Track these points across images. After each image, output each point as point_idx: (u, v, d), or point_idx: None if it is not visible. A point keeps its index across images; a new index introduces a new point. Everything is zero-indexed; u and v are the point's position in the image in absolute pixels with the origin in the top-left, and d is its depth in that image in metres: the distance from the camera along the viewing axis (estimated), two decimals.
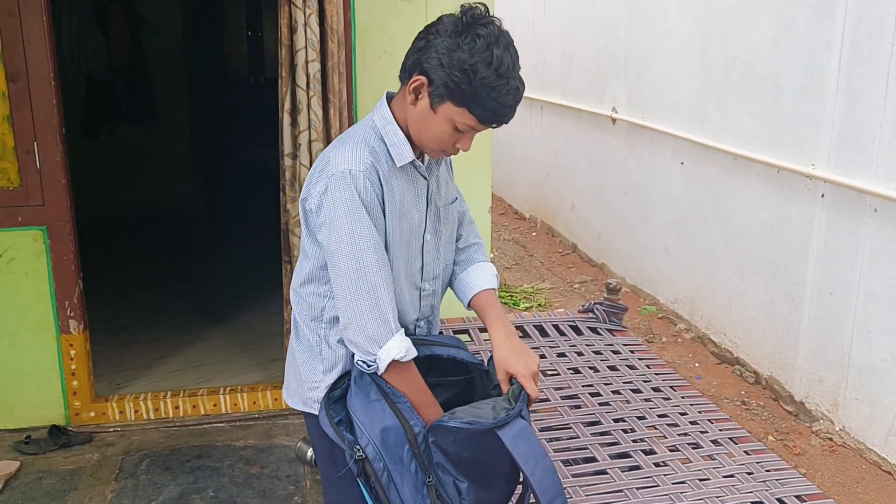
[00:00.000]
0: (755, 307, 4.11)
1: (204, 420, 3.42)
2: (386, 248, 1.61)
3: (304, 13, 3.01)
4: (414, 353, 1.59)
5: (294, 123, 3.14)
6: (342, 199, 1.52)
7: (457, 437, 1.54)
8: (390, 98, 1.66)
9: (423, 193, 1.68)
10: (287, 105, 3.12)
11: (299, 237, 3.12)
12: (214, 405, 3.46)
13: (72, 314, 3.24)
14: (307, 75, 3.07)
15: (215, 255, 5.80)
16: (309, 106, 3.10)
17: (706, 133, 4.47)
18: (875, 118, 3.25)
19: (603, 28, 5.75)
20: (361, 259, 1.53)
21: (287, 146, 3.16)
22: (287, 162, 3.17)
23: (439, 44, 1.50)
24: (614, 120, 5.58)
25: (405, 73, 1.58)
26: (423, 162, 1.67)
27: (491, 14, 1.55)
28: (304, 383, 1.74)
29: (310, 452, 3.09)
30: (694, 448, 2.42)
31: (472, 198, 3.64)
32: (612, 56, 5.61)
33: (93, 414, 3.36)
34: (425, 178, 1.68)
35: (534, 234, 7.14)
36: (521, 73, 1.55)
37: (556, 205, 6.87)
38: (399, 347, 1.56)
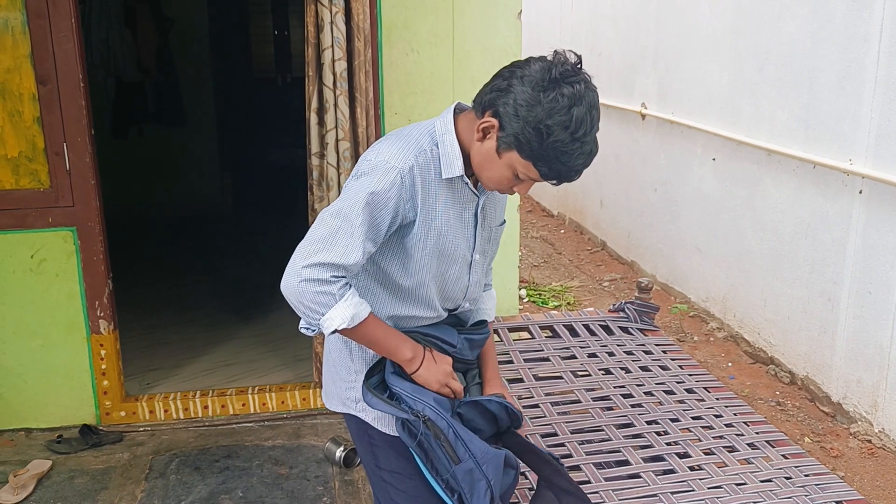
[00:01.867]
0: (790, 306, 4.02)
1: (233, 420, 3.43)
2: (408, 254, 1.59)
3: (331, 11, 2.99)
4: (364, 314, 1.53)
5: (321, 122, 3.13)
6: (371, 180, 1.50)
7: (479, 412, 1.72)
8: (459, 111, 1.62)
9: (470, 209, 1.64)
10: (314, 104, 3.10)
11: None
12: (243, 405, 3.46)
13: (102, 314, 3.26)
14: (334, 74, 3.05)
15: (243, 254, 5.82)
16: (336, 105, 3.08)
17: (738, 128, 4.38)
18: None
19: (631, 22, 5.67)
20: (339, 239, 1.48)
21: (314, 145, 3.14)
22: (314, 161, 3.15)
23: (520, 93, 1.44)
24: (643, 115, 5.51)
25: (479, 107, 1.53)
26: (472, 176, 1.62)
27: (581, 67, 1.48)
28: (341, 383, 1.74)
29: (338, 453, 3.08)
30: (730, 451, 2.37)
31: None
32: (640, 51, 5.53)
33: (123, 413, 3.38)
34: (475, 195, 1.63)
35: (562, 231, 7.07)
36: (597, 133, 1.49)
37: (585, 202, 6.80)
38: (343, 317, 1.49)
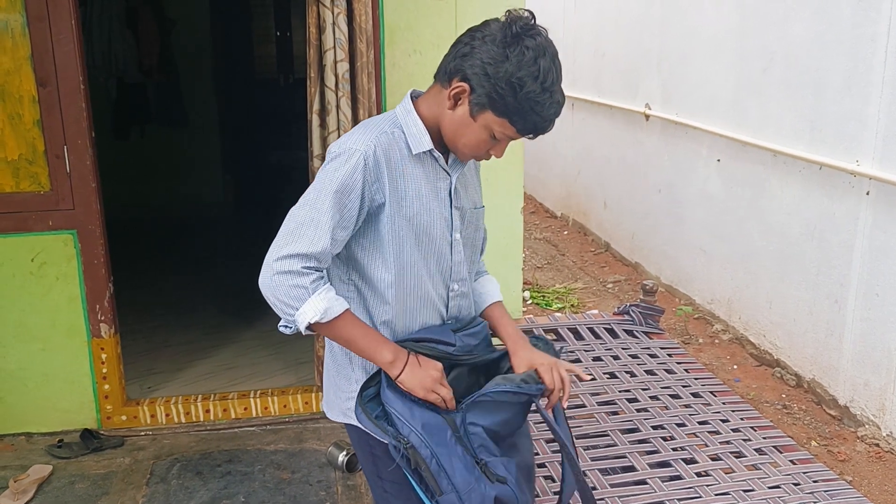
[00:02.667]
0: (796, 308, 3.99)
1: (235, 424, 3.40)
2: (383, 239, 1.57)
3: (333, 13, 2.97)
4: (339, 310, 1.51)
5: (323, 124, 3.10)
6: (327, 174, 1.52)
7: (492, 410, 1.59)
8: (415, 96, 1.65)
9: (444, 188, 1.64)
10: (316, 106, 3.08)
11: None
12: (245, 409, 3.43)
13: (103, 318, 3.24)
14: (336, 75, 3.03)
15: (245, 255, 5.79)
16: (338, 107, 3.06)
17: (744, 129, 4.35)
18: None
19: (635, 23, 5.64)
20: (306, 228, 1.49)
21: (316, 147, 3.12)
22: (316, 163, 3.13)
23: (485, 52, 1.47)
24: (648, 116, 5.48)
25: (444, 76, 1.55)
26: (445, 158, 1.64)
27: (537, 22, 1.52)
28: (341, 393, 1.71)
29: (341, 457, 3.05)
30: (737, 457, 2.34)
31: (504, 197, 3.59)
32: (644, 51, 5.50)
33: (124, 417, 3.36)
34: (447, 174, 1.64)
35: (565, 232, 7.05)
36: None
37: (589, 203, 6.77)
38: (315, 309, 1.48)
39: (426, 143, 1.58)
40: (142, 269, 5.30)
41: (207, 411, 3.41)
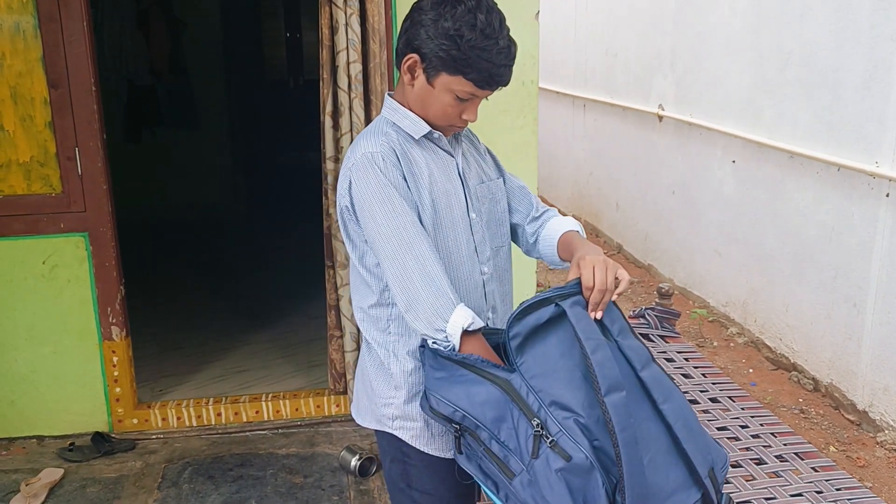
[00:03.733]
0: (814, 311, 3.94)
1: (246, 427, 3.38)
2: (423, 224, 1.55)
3: (346, 13, 2.94)
4: (481, 322, 1.48)
5: (336, 126, 3.08)
6: (367, 184, 1.52)
7: (543, 352, 1.42)
8: (391, 96, 1.67)
9: (452, 169, 1.64)
10: (328, 107, 3.05)
11: (342, 241, 3.05)
12: (257, 412, 3.41)
13: (114, 320, 3.22)
14: (349, 76, 3.00)
15: (256, 258, 5.79)
16: (351, 108, 3.03)
17: (759, 130, 4.30)
18: None
19: (648, 23, 5.60)
20: (403, 236, 1.49)
21: (329, 149, 3.09)
22: (329, 165, 3.10)
23: (424, 18, 1.51)
24: (661, 117, 5.43)
25: (398, 57, 1.58)
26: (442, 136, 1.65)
27: None
28: (378, 399, 1.67)
29: (353, 461, 3.02)
30: (757, 464, 2.30)
31: None
32: (657, 51, 5.46)
33: (136, 421, 3.34)
34: (451, 155, 1.65)
35: None
36: (510, 34, 1.54)
37: (601, 204, 6.72)
38: (465, 315, 1.45)
39: (423, 127, 1.59)
40: (153, 272, 5.29)
41: (219, 415, 3.39)
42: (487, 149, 1.82)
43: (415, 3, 1.56)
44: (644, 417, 1.40)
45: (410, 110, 1.61)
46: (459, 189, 1.64)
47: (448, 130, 1.63)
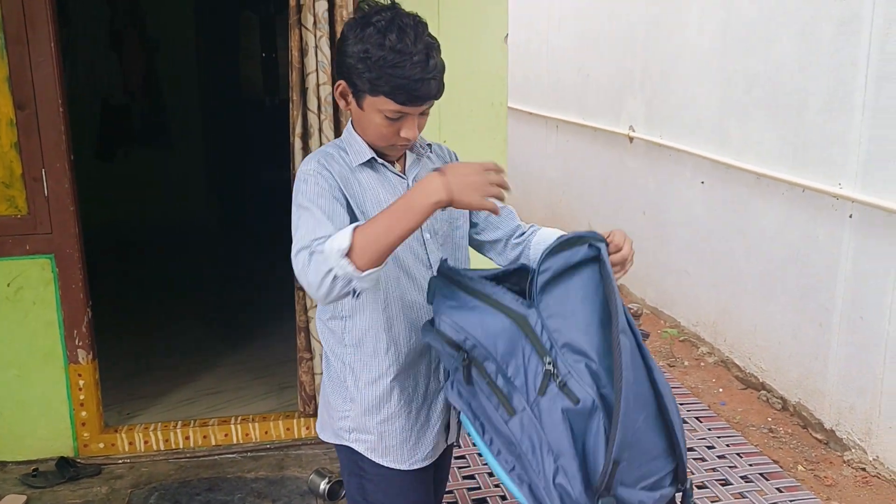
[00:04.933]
0: (781, 331, 3.98)
1: (215, 451, 3.34)
2: None
3: (315, 35, 2.96)
4: (349, 230, 1.39)
5: (305, 147, 3.08)
6: (297, 192, 1.55)
7: (563, 295, 1.39)
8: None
9: (402, 191, 1.64)
10: (298, 129, 3.06)
11: None
12: (225, 435, 3.38)
13: (80, 343, 3.18)
14: (318, 98, 3.01)
15: (230, 278, 5.75)
16: (321, 130, 3.04)
17: (727, 151, 4.36)
18: None
19: (619, 44, 5.67)
20: (303, 229, 1.47)
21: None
22: None
23: (344, 46, 1.55)
24: (631, 138, 5.49)
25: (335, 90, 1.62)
26: (394, 164, 1.66)
27: (393, 3, 1.57)
28: (334, 413, 1.71)
29: (322, 485, 3.00)
30: (723, 485, 2.32)
31: None
32: (628, 73, 5.53)
33: (102, 445, 3.29)
34: (402, 178, 1.66)
35: None
36: (435, 49, 1.53)
37: (573, 224, 6.76)
38: (343, 235, 1.38)
39: (366, 153, 1.61)
40: (125, 292, 5.24)
41: (187, 438, 3.35)
42: None
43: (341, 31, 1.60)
44: (641, 378, 1.40)
45: (363, 137, 1.63)
46: None
47: (393, 150, 1.63)
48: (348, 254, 1.36)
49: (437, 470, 1.84)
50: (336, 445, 1.76)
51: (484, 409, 1.42)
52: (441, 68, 1.53)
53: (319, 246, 1.39)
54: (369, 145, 1.62)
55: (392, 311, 1.64)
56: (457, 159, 1.81)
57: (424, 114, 1.58)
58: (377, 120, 1.55)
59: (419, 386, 1.70)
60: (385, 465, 1.68)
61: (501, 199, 1.43)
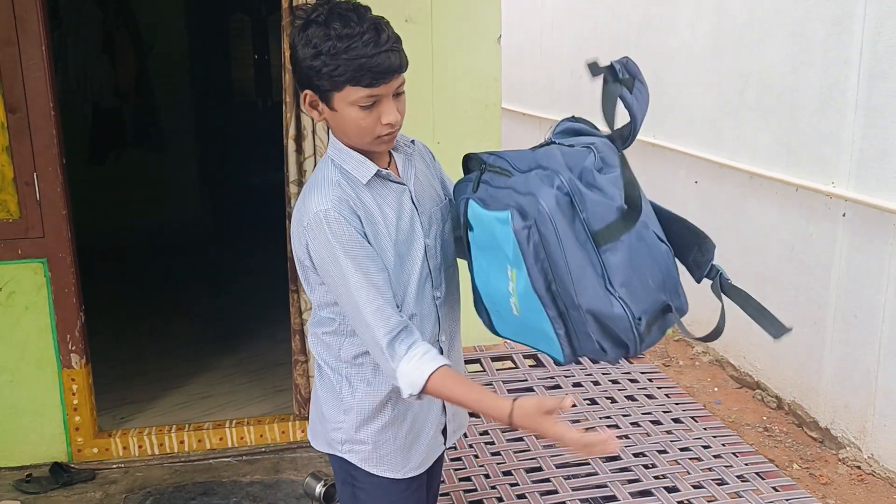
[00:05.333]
0: None
1: (210, 455, 3.33)
2: (387, 267, 1.55)
3: None
4: (421, 379, 1.46)
5: (299, 150, 3.07)
6: (321, 245, 1.49)
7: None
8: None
9: (406, 200, 1.61)
10: (292, 131, 3.05)
11: None
12: (220, 439, 3.36)
13: (73, 348, 3.17)
14: None
15: (224, 281, 5.73)
16: (314, 132, 3.03)
17: (721, 151, 4.37)
18: None
19: (612, 45, 5.67)
20: (353, 296, 1.49)
21: (292, 173, 3.08)
22: (293, 189, 3.09)
23: (294, 55, 1.50)
24: None
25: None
26: (388, 168, 1.61)
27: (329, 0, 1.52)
28: (327, 423, 1.69)
29: (318, 488, 2.99)
30: (719, 484, 2.32)
31: None
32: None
33: (95, 450, 3.28)
34: (402, 185, 1.61)
35: None
36: (385, 24, 1.48)
37: None
38: (405, 385, 1.48)
39: (370, 168, 1.55)
40: (118, 295, 5.22)
41: (182, 442, 3.34)
42: (440, 169, 1.79)
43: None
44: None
45: (353, 149, 1.56)
46: (416, 218, 1.62)
47: (380, 145, 1.55)
48: (418, 393, 1.47)
49: (431, 478, 1.81)
50: (329, 454, 1.73)
51: (492, 189, 1.50)
52: (396, 39, 1.47)
53: (396, 353, 1.47)
54: (359, 151, 1.56)
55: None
56: (430, 154, 1.77)
57: (399, 95, 1.52)
58: (353, 114, 1.49)
59: None
60: (379, 474, 1.66)
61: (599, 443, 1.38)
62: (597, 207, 1.41)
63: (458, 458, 2.50)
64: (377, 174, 1.56)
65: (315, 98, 1.52)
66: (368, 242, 1.52)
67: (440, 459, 1.83)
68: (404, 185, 1.61)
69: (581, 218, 1.40)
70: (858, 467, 3.42)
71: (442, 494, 2.34)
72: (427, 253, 1.64)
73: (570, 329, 1.41)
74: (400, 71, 1.48)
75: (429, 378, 1.46)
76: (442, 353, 1.69)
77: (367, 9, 1.49)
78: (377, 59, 1.44)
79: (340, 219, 1.48)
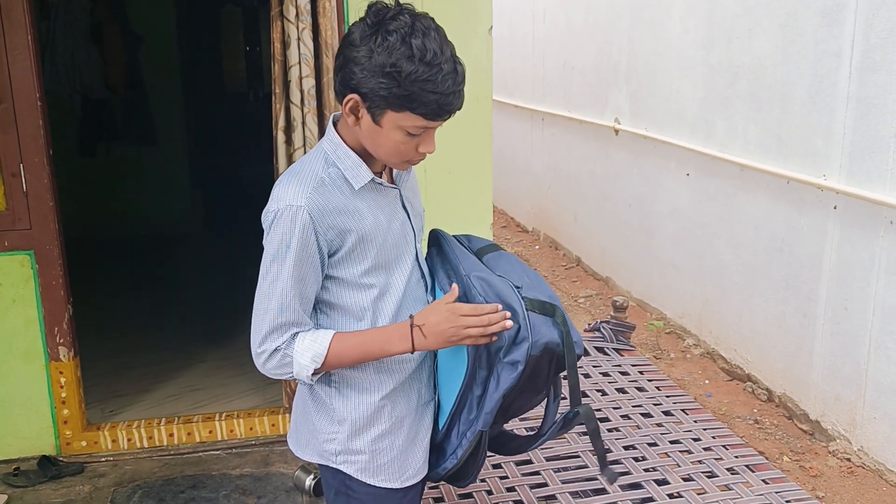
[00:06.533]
0: (766, 322, 3.99)
1: (199, 448, 3.31)
2: (371, 272, 1.53)
3: (298, 28, 2.92)
4: (323, 347, 1.48)
5: (289, 141, 3.05)
6: (277, 237, 1.45)
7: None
8: (336, 120, 1.56)
9: (397, 204, 1.58)
10: (281, 122, 3.02)
11: None
12: (210, 432, 3.35)
13: (61, 340, 3.14)
14: (301, 91, 2.98)
15: (214, 274, 5.71)
16: (304, 123, 3.01)
17: (712, 144, 4.37)
18: (889, 127, 3.15)
19: (604, 37, 5.67)
20: (272, 302, 1.48)
21: (282, 164, 3.06)
22: None
23: (357, 55, 1.39)
24: (617, 131, 5.49)
25: (338, 96, 1.47)
26: (381, 175, 1.57)
27: (400, 3, 1.43)
28: (319, 435, 1.62)
29: (308, 481, 2.98)
30: (709, 477, 2.32)
31: (473, 213, 3.54)
32: (613, 66, 5.52)
33: (84, 443, 3.26)
34: (395, 188, 1.59)
35: (536, 247, 7.03)
36: (455, 53, 1.42)
37: (559, 217, 6.77)
38: (304, 365, 1.49)
39: (365, 175, 1.50)
40: (108, 288, 5.19)
41: (171, 435, 3.32)
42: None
43: (345, 36, 1.44)
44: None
45: (353, 149, 1.50)
46: (407, 224, 1.59)
47: (404, 166, 1.53)
48: (313, 372, 1.49)
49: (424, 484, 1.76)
50: (320, 465, 1.67)
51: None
52: (464, 75, 1.42)
53: (288, 348, 1.49)
54: (360, 154, 1.51)
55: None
56: None
57: None
58: (397, 137, 1.43)
59: (411, 400, 1.63)
60: (377, 485, 1.61)
61: (477, 343, 1.48)
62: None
63: None
64: (371, 180, 1.51)
65: (361, 105, 1.42)
66: (337, 249, 1.49)
67: None
68: (397, 188, 1.59)
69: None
70: (848, 459, 3.43)
71: (431, 487, 2.34)
72: (419, 257, 1.63)
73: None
74: (458, 110, 1.45)
75: (330, 342, 1.48)
76: (435, 355, 1.69)
77: (442, 30, 1.42)
78: (450, 98, 1.40)
79: (308, 220, 1.43)
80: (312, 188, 1.45)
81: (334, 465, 1.62)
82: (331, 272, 1.52)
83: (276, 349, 1.48)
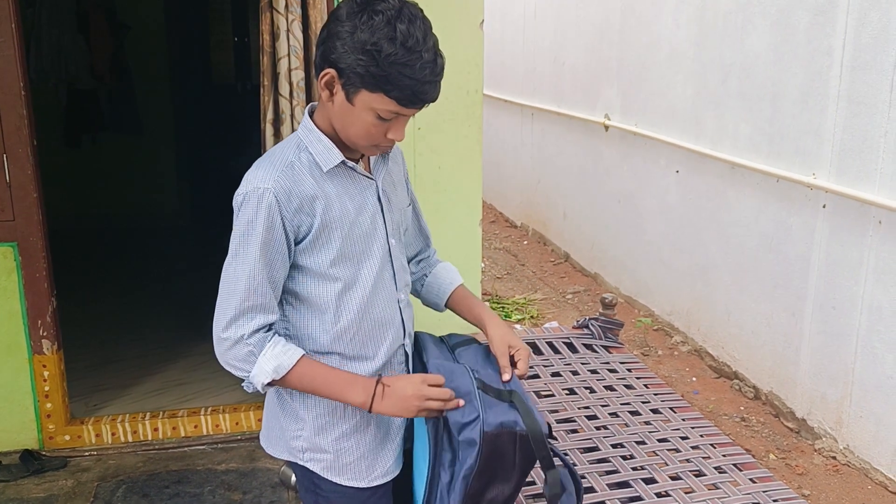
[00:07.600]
0: (754, 320, 4.00)
1: (184, 442, 3.29)
2: (337, 262, 1.52)
3: (287, 19, 2.89)
4: (290, 362, 1.47)
5: (277, 134, 3.02)
6: (245, 220, 1.46)
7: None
8: (312, 111, 1.56)
9: (370, 195, 1.56)
10: (269, 115, 2.99)
11: None
12: (195, 426, 3.32)
13: (45, 334, 3.11)
14: (290, 84, 2.95)
15: (200, 267, 5.66)
16: (293, 116, 2.98)
17: (702, 141, 4.36)
18: (879, 126, 3.15)
19: (595, 33, 5.65)
20: (239, 284, 1.47)
21: None
22: None
23: (340, 30, 1.39)
24: (607, 127, 5.48)
25: (316, 70, 1.47)
26: (358, 162, 1.56)
27: None
28: (286, 432, 1.62)
29: (294, 477, 2.96)
30: (697, 476, 2.31)
31: (462, 208, 3.53)
32: (604, 62, 5.51)
33: (67, 437, 3.22)
34: (370, 178, 1.57)
35: (525, 242, 7.02)
36: (438, 46, 1.42)
37: (548, 213, 6.76)
38: (265, 370, 1.47)
39: (335, 157, 1.49)
40: (93, 281, 5.14)
41: (156, 430, 3.30)
42: (406, 173, 1.75)
43: (332, 11, 1.44)
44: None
45: (326, 133, 1.50)
46: (378, 216, 1.57)
47: (372, 150, 1.51)
48: (267, 381, 1.47)
49: (398, 485, 1.73)
50: (291, 463, 1.66)
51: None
52: (443, 69, 1.42)
53: (257, 347, 1.47)
54: (334, 140, 1.50)
55: (357, 332, 1.57)
56: (401, 155, 1.73)
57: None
58: (368, 118, 1.42)
59: None
60: (342, 483, 1.60)
61: (440, 414, 1.50)
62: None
63: None
64: (342, 163, 1.51)
65: (335, 81, 1.42)
66: (304, 236, 1.48)
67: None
68: (373, 179, 1.57)
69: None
70: (834, 458, 3.44)
71: None
72: (391, 252, 1.60)
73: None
74: (431, 102, 1.45)
75: (298, 360, 1.48)
76: (407, 358, 1.68)
77: (428, 21, 1.43)
78: (426, 87, 1.40)
79: (274, 202, 1.43)
80: (280, 172, 1.46)
81: (302, 463, 1.62)
82: (298, 260, 1.51)
83: (241, 339, 1.46)
